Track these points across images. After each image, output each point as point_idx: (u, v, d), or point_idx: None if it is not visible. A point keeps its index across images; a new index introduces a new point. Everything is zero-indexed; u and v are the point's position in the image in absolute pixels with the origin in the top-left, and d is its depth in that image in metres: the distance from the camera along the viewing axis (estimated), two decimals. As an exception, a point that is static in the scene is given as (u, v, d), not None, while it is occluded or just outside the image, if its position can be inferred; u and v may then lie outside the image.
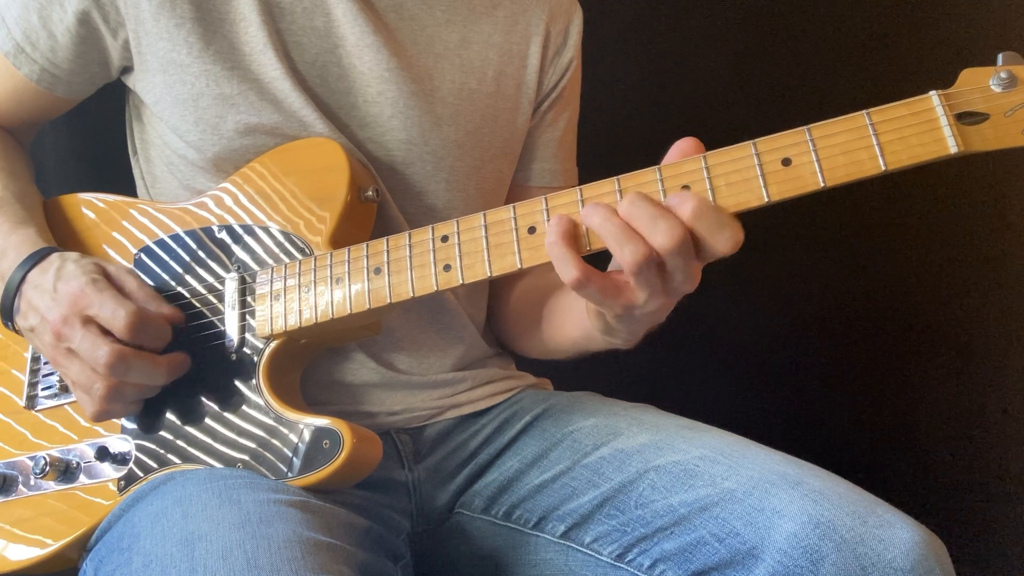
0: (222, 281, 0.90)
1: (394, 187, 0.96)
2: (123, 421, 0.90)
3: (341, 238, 0.88)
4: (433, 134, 0.97)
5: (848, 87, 1.54)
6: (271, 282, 0.87)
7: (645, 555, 0.86)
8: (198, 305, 0.91)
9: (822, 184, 0.68)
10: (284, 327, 0.86)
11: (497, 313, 1.12)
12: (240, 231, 0.91)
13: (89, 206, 1.00)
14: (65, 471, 0.89)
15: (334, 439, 0.81)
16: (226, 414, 0.87)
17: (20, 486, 0.91)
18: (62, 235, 0.98)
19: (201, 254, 0.92)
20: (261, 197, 0.91)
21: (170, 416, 0.88)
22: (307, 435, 0.82)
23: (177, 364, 0.86)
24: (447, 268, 0.79)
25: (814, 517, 0.78)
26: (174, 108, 0.91)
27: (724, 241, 0.68)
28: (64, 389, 0.93)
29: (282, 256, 0.89)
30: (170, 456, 0.87)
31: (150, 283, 0.92)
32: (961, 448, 1.62)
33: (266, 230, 0.90)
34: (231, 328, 0.88)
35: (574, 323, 0.93)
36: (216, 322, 0.89)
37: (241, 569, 0.66)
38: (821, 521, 0.77)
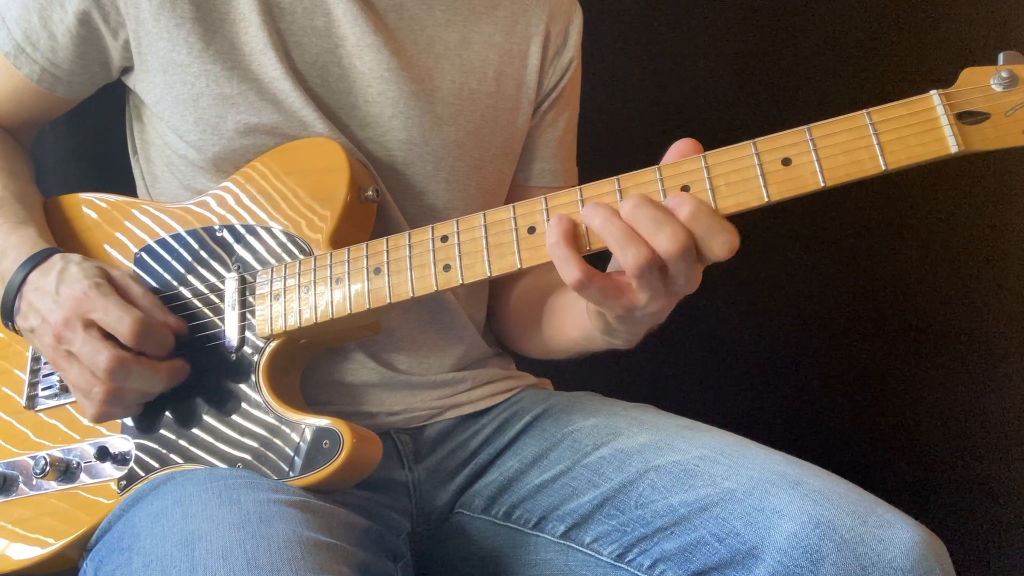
0: (223, 280, 0.90)
1: (394, 187, 0.96)
2: (124, 420, 0.90)
3: (341, 238, 0.88)
4: (433, 134, 0.97)
5: (848, 87, 1.54)
6: (271, 282, 0.87)
7: (645, 555, 0.86)
8: (199, 304, 0.91)
9: (822, 184, 0.68)
10: (284, 327, 0.86)
11: (497, 313, 1.12)
12: (242, 231, 0.91)
13: (90, 206, 1.00)
14: (66, 471, 0.89)
15: (334, 439, 0.81)
16: (226, 414, 0.87)
17: (21, 486, 0.91)
18: (62, 235, 0.98)
19: (203, 253, 0.92)
20: (263, 197, 0.91)
21: (170, 415, 0.88)
22: (308, 435, 0.83)
23: (176, 371, 0.86)
24: (447, 268, 0.79)
25: (814, 517, 0.78)
26: (174, 108, 0.91)
27: (719, 246, 0.69)
28: (64, 389, 0.93)
29: (284, 256, 0.89)
30: (171, 455, 0.87)
31: (152, 283, 0.93)
32: (961, 448, 1.62)
33: (268, 230, 0.91)
34: (231, 328, 0.88)
35: (574, 323, 0.93)
36: (216, 322, 0.89)
37: (241, 569, 0.66)
38: (821, 521, 0.77)
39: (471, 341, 1.03)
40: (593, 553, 0.90)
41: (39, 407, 0.94)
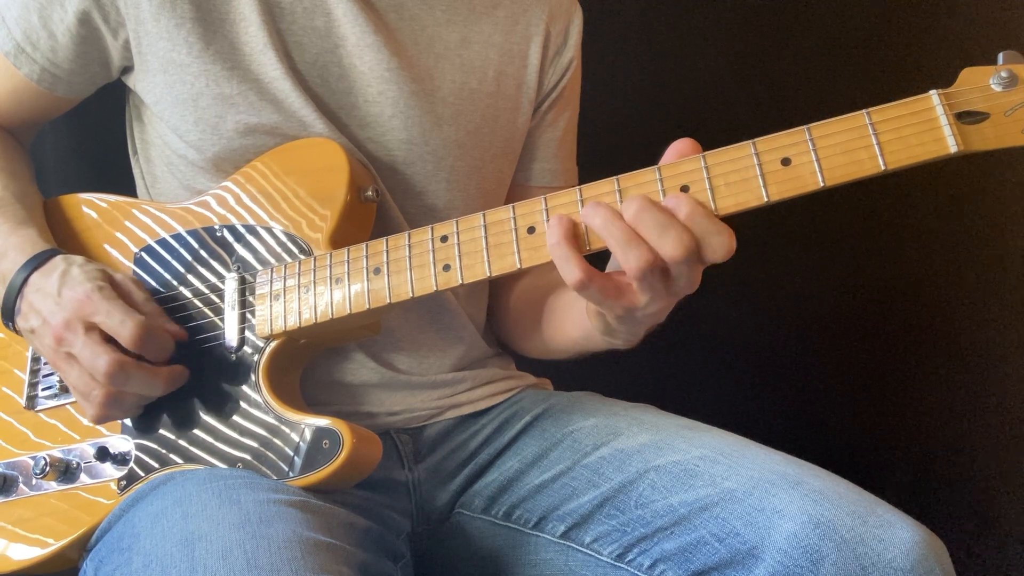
0: (223, 280, 0.90)
1: (394, 187, 0.96)
2: (124, 421, 0.90)
3: (341, 238, 0.88)
4: (433, 134, 0.97)
5: (848, 87, 1.54)
6: (271, 282, 0.87)
7: (645, 555, 0.86)
8: (199, 304, 0.91)
9: (822, 184, 0.68)
10: (284, 327, 0.86)
11: (497, 313, 1.12)
12: (242, 230, 0.91)
13: (90, 206, 1.00)
14: (66, 471, 0.89)
15: (334, 439, 0.81)
16: (226, 414, 0.87)
17: (21, 486, 0.91)
18: (62, 235, 0.98)
19: (203, 253, 0.92)
20: (263, 197, 0.91)
21: (170, 416, 0.88)
22: (308, 435, 0.83)
23: (176, 376, 0.86)
24: (446, 268, 0.79)
25: (814, 517, 0.78)
26: (174, 108, 0.91)
27: (716, 248, 0.69)
28: (64, 389, 0.93)
29: (284, 256, 0.89)
30: (171, 455, 0.87)
31: (152, 283, 0.93)
32: (961, 448, 1.62)
33: (268, 230, 0.91)
34: (231, 328, 0.88)
35: (574, 323, 0.93)
36: (216, 322, 0.89)
37: (241, 569, 0.66)
38: (821, 521, 0.77)
39: (471, 341, 1.03)
40: (593, 553, 0.90)
41: (39, 407, 0.94)
